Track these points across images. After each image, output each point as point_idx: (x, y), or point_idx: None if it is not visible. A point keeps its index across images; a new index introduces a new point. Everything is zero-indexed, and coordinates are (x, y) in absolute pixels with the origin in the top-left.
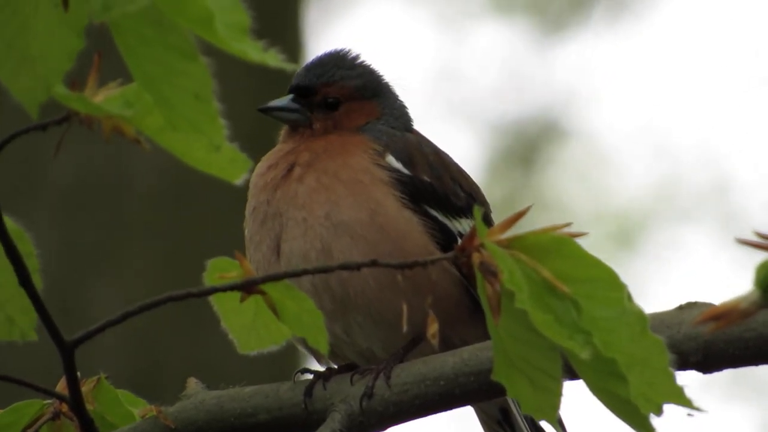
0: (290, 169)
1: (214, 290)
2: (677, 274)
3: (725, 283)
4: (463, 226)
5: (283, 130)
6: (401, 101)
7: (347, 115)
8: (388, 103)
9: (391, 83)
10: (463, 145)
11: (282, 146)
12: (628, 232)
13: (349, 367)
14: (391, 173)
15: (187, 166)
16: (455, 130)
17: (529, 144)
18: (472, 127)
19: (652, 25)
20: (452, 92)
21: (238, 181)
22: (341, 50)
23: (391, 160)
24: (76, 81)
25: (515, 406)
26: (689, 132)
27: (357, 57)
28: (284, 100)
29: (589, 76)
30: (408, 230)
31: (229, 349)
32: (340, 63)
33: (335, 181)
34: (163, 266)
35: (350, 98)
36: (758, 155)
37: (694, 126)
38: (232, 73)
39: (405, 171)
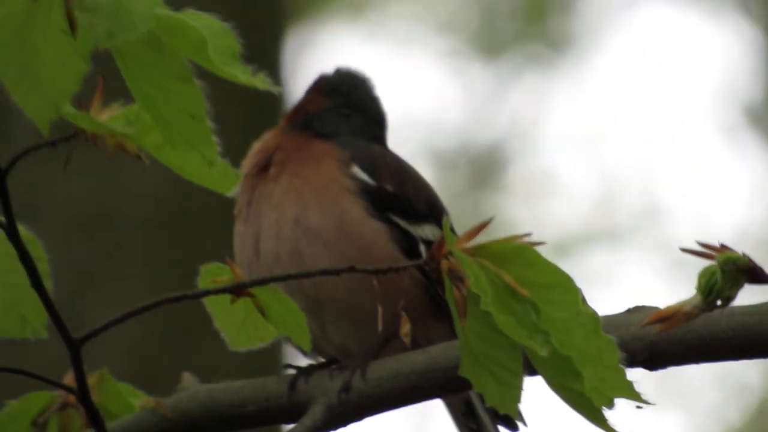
0: (266, 166)
1: (207, 293)
2: (620, 284)
3: (661, 292)
4: (424, 231)
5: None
6: (380, 112)
7: (304, 103)
8: (347, 106)
9: (370, 93)
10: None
11: (263, 140)
12: (572, 247)
13: (329, 363)
14: (356, 182)
15: (181, 193)
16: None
17: (481, 171)
18: (428, 154)
19: (593, 60)
20: (410, 127)
21: (230, 193)
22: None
23: (357, 170)
24: (82, 102)
25: (478, 399)
26: (627, 158)
27: (352, 71)
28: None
29: (536, 109)
30: (374, 238)
31: (221, 346)
32: (337, 74)
33: (305, 186)
34: (158, 284)
35: (315, 91)
36: (687, 184)
37: (631, 152)
38: (223, 96)
39: (370, 181)
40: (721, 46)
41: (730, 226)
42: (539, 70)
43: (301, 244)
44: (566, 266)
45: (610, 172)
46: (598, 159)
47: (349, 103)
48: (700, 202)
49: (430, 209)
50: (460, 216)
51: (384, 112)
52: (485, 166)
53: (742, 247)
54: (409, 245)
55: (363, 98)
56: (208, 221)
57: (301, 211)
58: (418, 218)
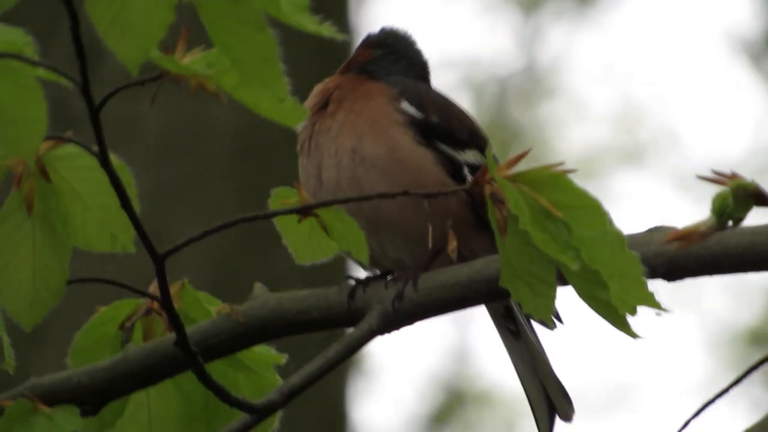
0: (326, 105)
1: (277, 213)
2: (642, 205)
3: (679, 213)
4: (467, 157)
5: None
6: (423, 60)
7: (356, 56)
8: (394, 56)
9: (412, 46)
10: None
11: (322, 83)
12: (600, 169)
13: (384, 275)
14: (405, 115)
15: (257, 123)
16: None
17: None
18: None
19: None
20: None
21: (298, 127)
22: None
23: (405, 104)
24: (167, 47)
25: (517, 306)
26: (646, 92)
27: (394, 28)
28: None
29: (565, 50)
30: (422, 163)
31: (290, 261)
32: (381, 31)
33: (360, 120)
34: (237, 205)
35: (362, 46)
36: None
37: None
38: (294, 42)
39: (417, 114)
40: None
41: (738, 151)
42: (568, 18)
43: (358, 172)
44: (595, 189)
45: (633, 103)
46: (622, 92)
47: (394, 52)
48: (712, 131)
49: (472, 137)
50: (499, 143)
51: (425, 59)
52: (522, 96)
53: (750, 171)
54: (454, 169)
55: (407, 48)
56: (278, 152)
57: (357, 142)
58: (462, 145)
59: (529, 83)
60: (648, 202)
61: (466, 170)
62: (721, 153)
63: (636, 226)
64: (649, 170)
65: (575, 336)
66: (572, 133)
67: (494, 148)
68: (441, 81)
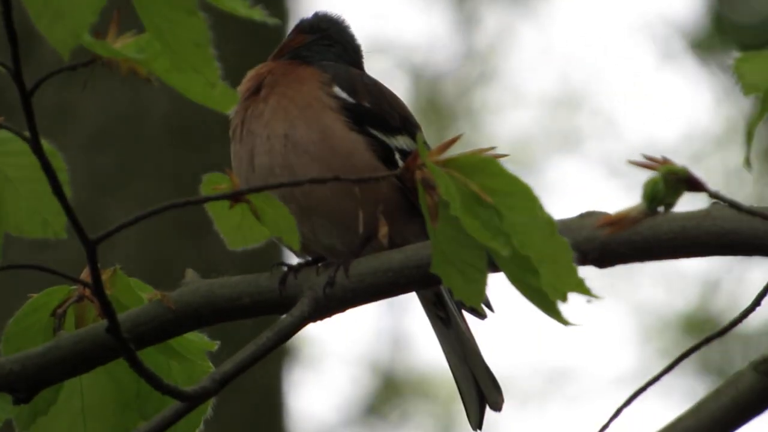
0: (258, 89)
1: (208, 199)
2: (574, 192)
3: (610, 199)
4: (399, 142)
5: None
6: (356, 45)
7: (288, 41)
8: (327, 41)
9: (346, 31)
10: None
11: (254, 69)
12: (533, 157)
13: (316, 261)
14: (337, 100)
15: (190, 107)
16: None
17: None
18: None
19: None
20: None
21: (229, 111)
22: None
23: (337, 89)
24: (99, 31)
25: (447, 292)
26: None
27: (328, 13)
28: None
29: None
30: (355, 149)
31: (222, 247)
32: (315, 16)
33: (291, 105)
34: (173, 193)
35: (295, 31)
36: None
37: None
38: (225, 26)
39: (349, 99)
40: None
41: (674, 138)
42: (504, 2)
43: (291, 158)
44: (530, 175)
45: (569, 89)
46: (558, 78)
47: (328, 37)
48: (646, 118)
49: (404, 123)
50: (435, 130)
51: (359, 44)
52: (457, 82)
53: (682, 157)
54: (385, 154)
55: (340, 32)
56: (209, 137)
57: (289, 128)
58: (394, 131)
59: (465, 69)
60: (583, 188)
61: (397, 156)
62: (657, 139)
63: (568, 212)
64: (585, 156)
65: (507, 323)
66: (508, 119)
67: (430, 135)
68: (376, 67)
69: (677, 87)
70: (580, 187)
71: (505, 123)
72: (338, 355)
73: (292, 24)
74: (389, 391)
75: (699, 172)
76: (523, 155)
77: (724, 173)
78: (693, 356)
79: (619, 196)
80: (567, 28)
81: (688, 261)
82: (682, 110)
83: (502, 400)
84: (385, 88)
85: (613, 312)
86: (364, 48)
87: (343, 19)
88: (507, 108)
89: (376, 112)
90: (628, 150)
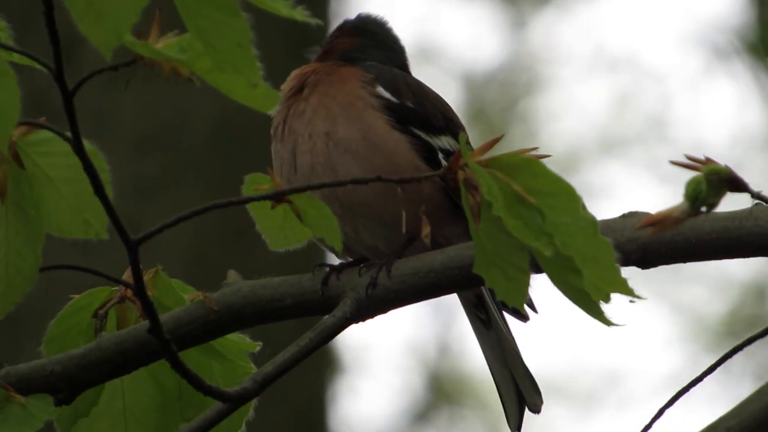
0: (301, 88)
1: (250, 199)
2: (617, 193)
3: (654, 199)
4: (442, 142)
5: None
6: (400, 47)
7: (336, 44)
8: (373, 43)
9: (389, 33)
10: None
11: (303, 67)
12: (579, 159)
13: (358, 262)
14: (379, 100)
15: (233, 111)
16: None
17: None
18: (449, 80)
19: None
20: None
21: (271, 111)
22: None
23: (380, 89)
24: (141, 31)
25: (489, 293)
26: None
27: (372, 15)
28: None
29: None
30: (397, 147)
31: (264, 248)
32: (359, 18)
33: (333, 103)
34: (214, 194)
35: (342, 34)
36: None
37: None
38: (267, 26)
39: (392, 98)
40: None
41: (723, 141)
42: (551, 8)
43: (332, 156)
44: (571, 178)
45: (618, 93)
46: (605, 84)
47: (372, 39)
48: (694, 117)
49: (447, 124)
50: (479, 134)
51: (403, 45)
52: (505, 87)
53: (729, 160)
54: (428, 154)
55: (384, 34)
56: (252, 137)
57: (331, 126)
58: (437, 131)
59: (513, 74)
60: (630, 191)
61: (440, 156)
62: (706, 142)
63: (610, 212)
64: (633, 160)
65: (549, 324)
66: (556, 124)
67: (477, 138)
68: (422, 71)
69: (726, 90)
70: (626, 190)
71: (553, 128)
72: (383, 360)
73: (334, 24)
74: (436, 396)
75: (745, 174)
76: (570, 159)
77: None
78: (737, 357)
79: (667, 199)
80: (615, 32)
81: (732, 261)
82: (730, 113)
83: (541, 402)
84: (429, 89)
85: (657, 312)
86: (408, 51)
87: (386, 21)
88: (555, 113)
89: (419, 112)
90: (675, 153)
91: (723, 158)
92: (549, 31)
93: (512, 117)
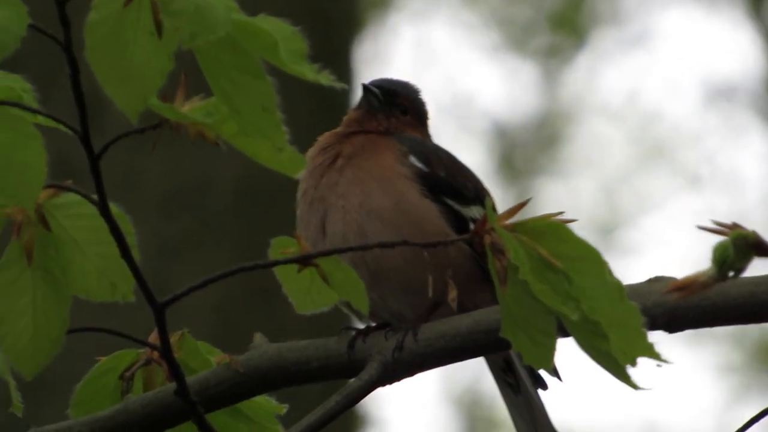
0: (334, 159)
1: (277, 263)
2: (647, 255)
3: (680, 263)
4: (473, 212)
5: (348, 116)
6: (424, 111)
7: (405, 124)
8: (425, 129)
9: (417, 100)
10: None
11: (332, 134)
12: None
13: (384, 325)
14: (413, 170)
15: (258, 174)
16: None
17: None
18: (475, 137)
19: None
20: (461, 109)
21: (297, 176)
22: (410, 81)
23: (413, 159)
24: (167, 95)
25: (517, 357)
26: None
27: (419, 90)
28: (378, 90)
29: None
30: (427, 216)
31: (290, 310)
32: (412, 88)
33: (368, 177)
34: (234, 256)
35: (413, 114)
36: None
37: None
38: (292, 90)
39: (425, 168)
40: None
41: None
42: (564, 62)
43: (364, 224)
44: (595, 239)
45: (645, 149)
46: (633, 136)
47: (401, 108)
48: (715, 182)
49: (477, 194)
50: (502, 197)
51: (426, 110)
52: (524, 148)
53: (751, 223)
54: (460, 224)
55: (412, 101)
56: (276, 199)
57: (365, 197)
58: (468, 201)
59: (539, 130)
60: (663, 245)
61: (471, 226)
62: (734, 202)
63: (636, 276)
64: (663, 215)
65: (578, 387)
66: (585, 179)
67: (509, 193)
68: (452, 126)
69: (753, 147)
70: (649, 252)
71: (582, 183)
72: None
73: (356, 85)
74: None
75: None
76: (600, 214)
77: None
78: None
79: (691, 260)
80: (644, 86)
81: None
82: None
83: None
84: (459, 161)
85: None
86: (437, 105)
87: (414, 85)
88: (584, 167)
89: (450, 183)
90: (708, 210)
91: (753, 218)
92: (579, 83)
93: (540, 171)
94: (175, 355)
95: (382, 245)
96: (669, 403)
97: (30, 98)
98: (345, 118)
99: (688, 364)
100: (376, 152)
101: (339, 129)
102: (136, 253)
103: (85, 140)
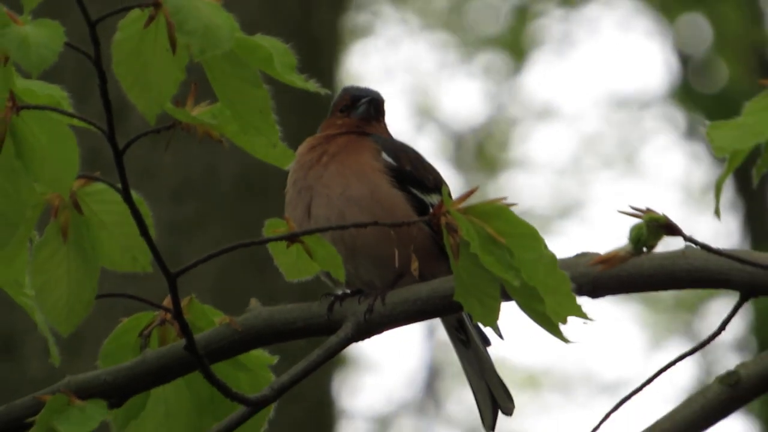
0: (321, 156)
1: (269, 240)
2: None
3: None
4: (432, 199)
5: (345, 121)
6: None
7: (382, 126)
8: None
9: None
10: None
11: (319, 136)
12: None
13: (357, 292)
14: (385, 164)
15: (255, 166)
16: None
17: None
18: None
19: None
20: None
21: (287, 168)
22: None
23: (385, 156)
24: (179, 100)
25: (467, 317)
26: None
27: (369, 90)
28: (372, 100)
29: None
30: (396, 202)
31: (280, 279)
32: (383, 97)
33: (348, 171)
34: (238, 234)
35: (378, 115)
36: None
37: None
38: (284, 96)
39: (394, 164)
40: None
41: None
42: (514, 69)
43: (344, 209)
44: (534, 223)
45: (571, 153)
46: (562, 145)
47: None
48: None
49: (436, 184)
50: (459, 188)
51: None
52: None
53: (662, 208)
54: (422, 209)
55: (378, 106)
56: (270, 188)
57: (345, 187)
58: (429, 190)
59: (493, 135)
60: (576, 232)
61: (431, 210)
62: (648, 192)
63: (566, 252)
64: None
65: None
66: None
67: (457, 188)
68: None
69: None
70: (576, 232)
71: (520, 178)
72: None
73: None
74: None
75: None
76: (540, 202)
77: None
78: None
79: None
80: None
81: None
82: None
83: (513, 407)
84: (422, 157)
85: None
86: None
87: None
88: (527, 165)
89: (415, 175)
90: (626, 197)
91: (664, 203)
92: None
93: (495, 166)
94: (185, 317)
95: (357, 225)
96: (598, 354)
97: (66, 104)
98: (342, 122)
99: (613, 322)
100: (356, 150)
101: (331, 131)
102: (152, 232)
103: (111, 139)
